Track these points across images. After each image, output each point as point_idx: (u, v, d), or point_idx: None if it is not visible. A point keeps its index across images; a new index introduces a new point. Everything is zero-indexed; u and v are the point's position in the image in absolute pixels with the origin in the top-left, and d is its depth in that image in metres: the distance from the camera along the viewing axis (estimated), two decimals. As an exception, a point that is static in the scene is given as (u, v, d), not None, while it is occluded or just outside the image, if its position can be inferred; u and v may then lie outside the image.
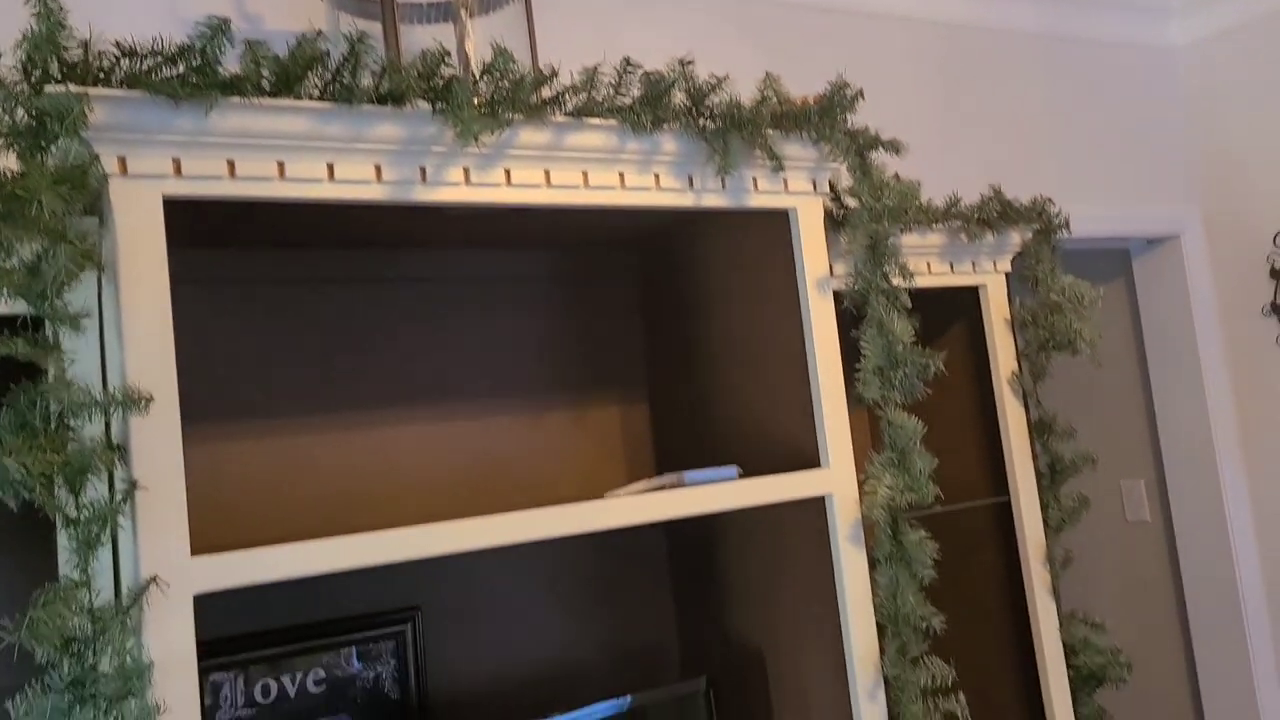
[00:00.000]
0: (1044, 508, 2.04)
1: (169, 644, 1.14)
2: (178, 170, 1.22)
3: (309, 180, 1.32)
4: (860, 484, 1.69)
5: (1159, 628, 3.16)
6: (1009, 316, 2.04)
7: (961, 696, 1.65)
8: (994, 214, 1.97)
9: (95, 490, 1.11)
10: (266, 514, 1.71)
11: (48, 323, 1.10)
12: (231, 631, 1.67)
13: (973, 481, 2.10)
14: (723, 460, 1.90)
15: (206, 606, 1.64)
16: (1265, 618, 2.90)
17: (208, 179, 1.25)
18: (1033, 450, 2.04)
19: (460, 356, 1.93)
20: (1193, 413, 2.97)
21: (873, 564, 1.69)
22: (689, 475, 1.58)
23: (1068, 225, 2.04)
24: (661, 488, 1.60)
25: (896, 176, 1.72)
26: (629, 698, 1.72)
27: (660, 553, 2.08)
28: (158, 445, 1.15)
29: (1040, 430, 2.06)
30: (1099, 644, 2.02)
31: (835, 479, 1.67)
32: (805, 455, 1.72)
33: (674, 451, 2.05)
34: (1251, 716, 2.84)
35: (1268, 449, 2.91)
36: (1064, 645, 2.01)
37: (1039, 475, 2.05)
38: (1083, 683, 2.02)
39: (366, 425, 1.82)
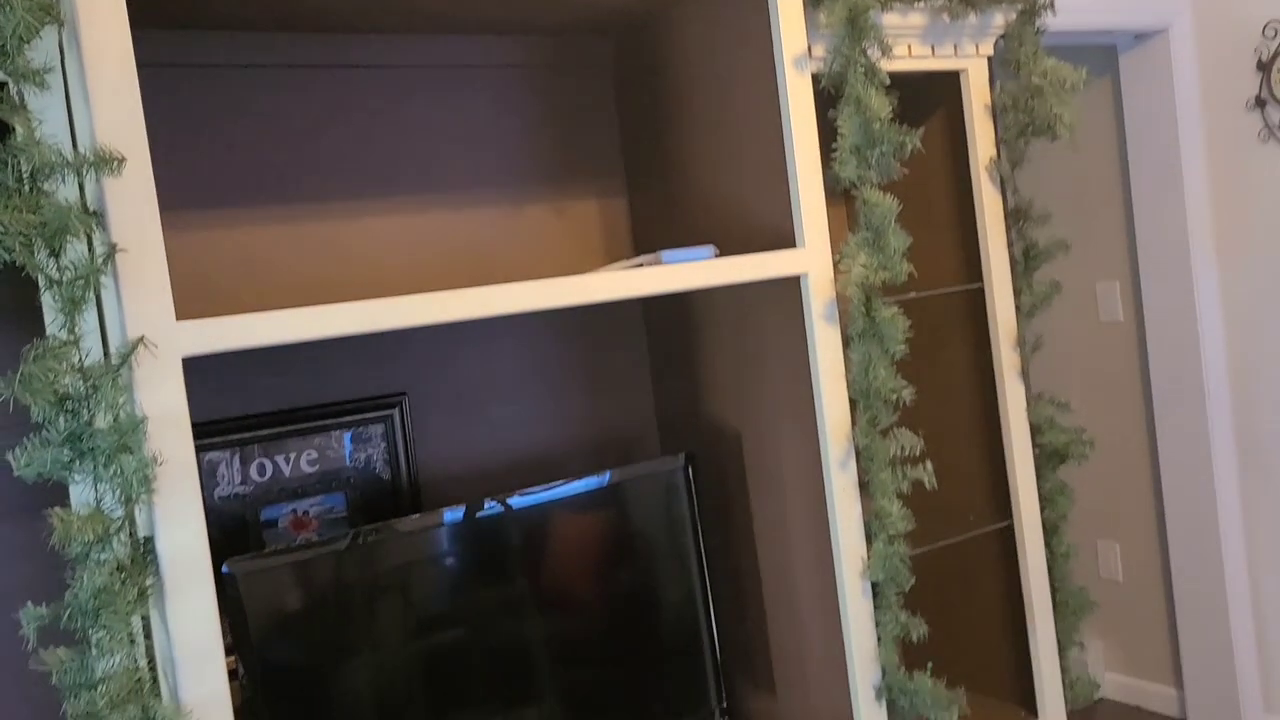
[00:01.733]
0: (1016, 294, 2.07)
1: (161, 404, 1.17)
2: (132, -73, 1.18)
3: (270, -58, 1.27)
4: (835, 264, 1.72)
5: (1124, 418, 3.27)
6: (989, 102, 2.02)
7: (929, 465, 1.73)
8: (977, -8, 1.92)
9: (75, 252, 1.12)
10: (243, 303, 1.73)
11: (11, 82, 1.08)
12: (225, 414, 1.71)
13: (948, 268, 2.13)
14: (701, 247, 1.92)
15: (198, 390, 1.68)
16: (1227, 411, 3.00)
17: (164, -63, 1.21)
18: (1008, 238, 2.06)
19: (437, 146, 1.91)
20: (1170, 212, 2.98)
21: (846, 343, 1.74)
22: (666, 255, 1.60)
23: (1052, 5, 2.00)
24: (640, 266, 1.62)
25: (878, -53, 1.67)
26: (608, 473, 1.79)
27: (639, 339, 2.12)
28: (134, 208, 1.15)
29: (1016, 217, 2.07)
30: (1064, 423, 2.10)
31: (811, 258, 1.70)
32: (782, 236, 1.73)
33: (652, 243, 2.07)
34: (1208, 494, 2.98)
35: (1241, 248, 2.94)
36: (1030, 424, 2.09)
37: (1013, 262, 2.08)
38: (1046, 459, 2.11)
39: (343, 216, 1.82)
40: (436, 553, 1.62)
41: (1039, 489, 2.10)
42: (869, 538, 1.75)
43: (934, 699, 1.70)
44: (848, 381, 1.73)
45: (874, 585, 1.75)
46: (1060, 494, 2.10)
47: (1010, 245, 2.06)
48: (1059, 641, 2.11)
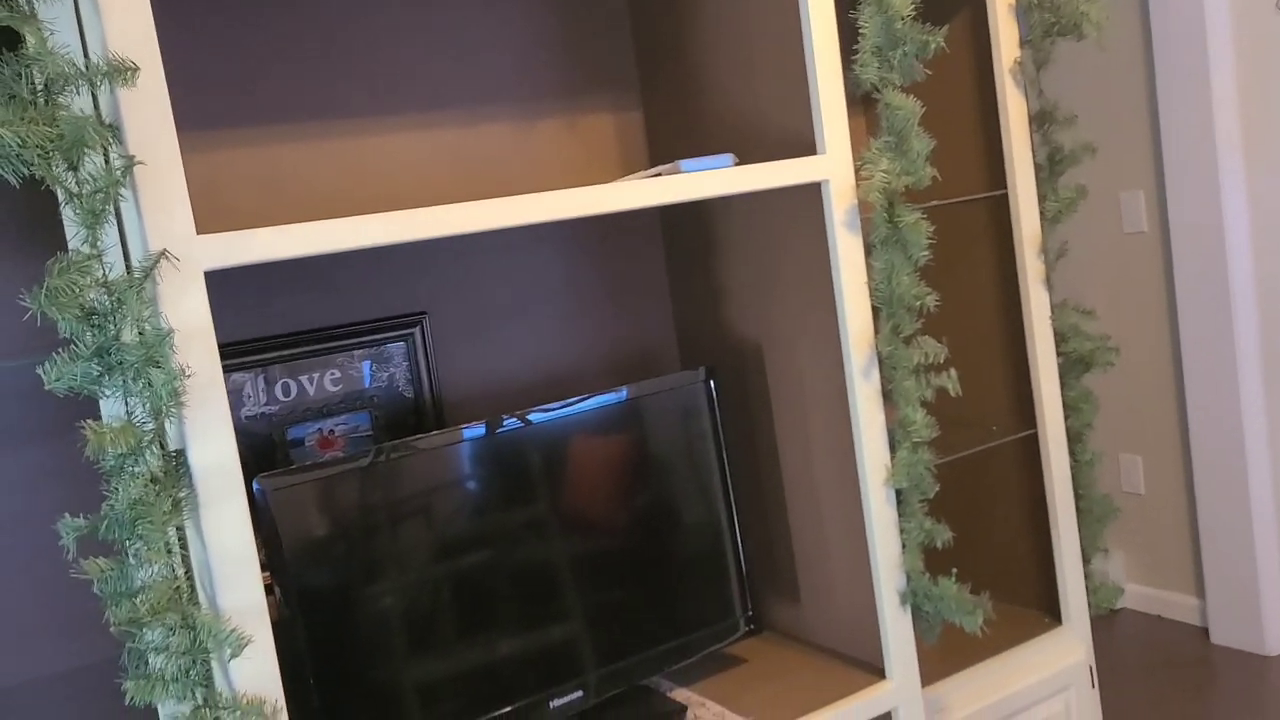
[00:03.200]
0: (1041, 200, 2.04)
1: (185, 317, 1.18)
2: None
3: None
4: (857, 170, 1.70)
5: (1148, 331, 3.25)
6: (1013, 1, 1.97)
7: (953, 372, 1.72)
8: (1001, -114, 1.86)
9: (93, 165, 1.11)
10: (255, 223, 1.72)
11: (19, -10, 1.07)
12: (247, 336, 1.72)
13: (970, 174, 2.10)
14: (720, 158, 1.89)
15: (219, 312, 1.68)
16: (1254, 323, 2.97)
17: None
18: (1032, 142, 2.02)
19: (446, 61, 1.89)
20: (1197, 117, 2.93)
21: (868, 250, 1.72)
22: (685, 164, 1.58)
23: (1079, -102, 1.94)
24: (658, 176, 1.60)
25: None
26: (625, 390, 1.79)
27: (657, 253, 2.11)
28: (149, 120, 1.14)
29: (1040, 120, 2.03)
30: (1088, 331, 2.09)
31: (832, 165, 1.67)
32: (802, 143, 1.71)
33: (669, 155, 2.04)
34: (1233, 406, 2.97)
35: (1271, 155, 2.88)
36: (1054, 332, 2.07)
37: (1037, 167, 2.04)
38: (1071, 367, 2.10)
39: (352, 134, 1.80)
40: (456, 469, 1.63)
41: (1063, 397, 2.10)
42: (893, 446, 1.75)
43: (958, 604, 1.72)
44: (870, 289, 1.71)
45: (898, 493, 1.75)
46: (1084, 402, 2.10)
47: (1034, 150, 2.02)
48: (1083, 548, 2.12)
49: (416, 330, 1.85)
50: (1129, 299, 3.29)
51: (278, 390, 1.74)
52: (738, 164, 1.63)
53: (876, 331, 1.72)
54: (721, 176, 1.57)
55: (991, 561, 2.24)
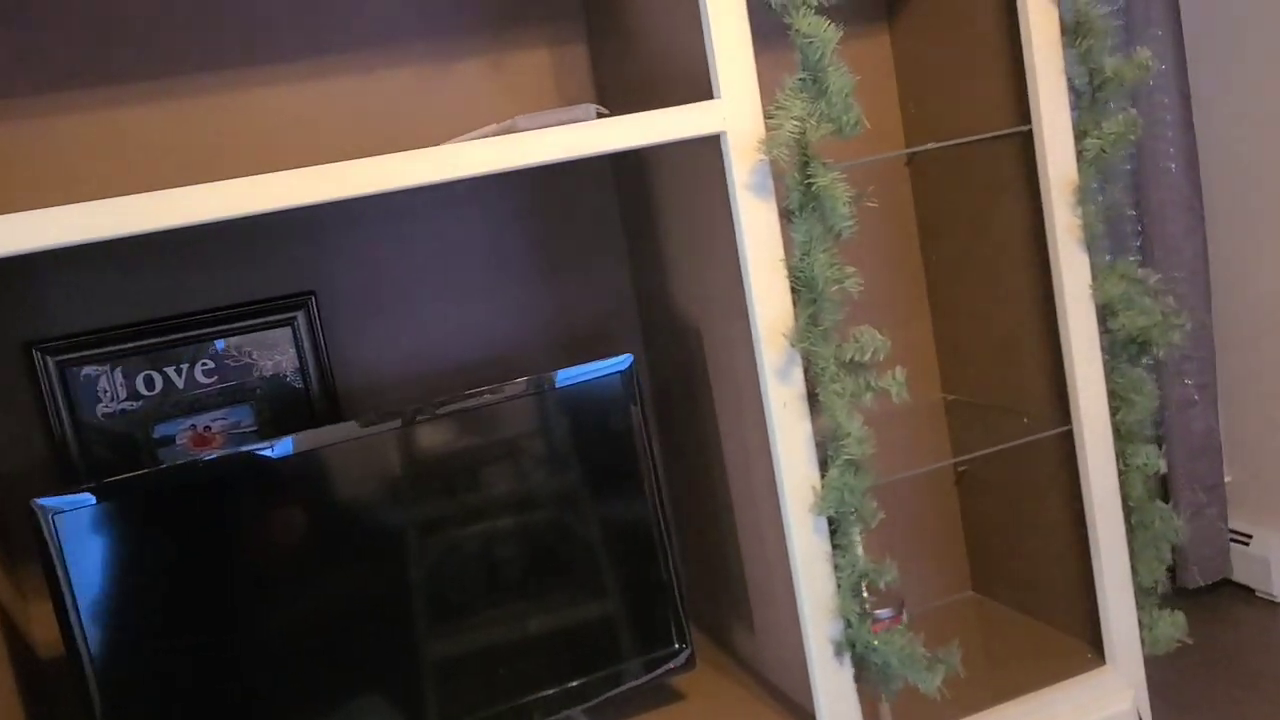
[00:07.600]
0: (1080, 135, 1.58)
1: None
2: None
3: None
4: (767, 119, 1.33)
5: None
6: (1032, -125, 1.50)
7: (899, 372, 1.34)
8: None
9: None
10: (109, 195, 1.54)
11: None
12: (100, 324, 1.56)
13: (988, 107, 1.66)
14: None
15: (68, 297, 1.53)
16: None
17: None
18: (1064, 62, 1.56)
19: None
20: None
21: (790, 220, 1.36)
22: (522, 120, 1.27)
23: None
24: (500, 134, 1.30)
25: None
26: (524, 382, 1.52)
27: (611, 211, 1.80)
28: None
29: (1076, 34, 1.56)
30: (1143, 303, 1.62)
31: (728, 112, 1.31)
32: (698, 85, 1.35)
33: (619, 101, 1.71)
34: None
35: None
36: (1098, 305, 1.62)
37: (1075, 94, 1.58)
38: (1121, 348, 1.65)
39: (214, 90, 1.58)
40: (290, 480, 1.42)
41: (1111, 385, 1.65)
42: (826, 464, 1.40)
43: (905, 660, 1.37)
44: (789, 268, 1.35)
45: (831, 521, 1.41)
46: (1137, 392, 1.64)
47: (1068, 72, 1.56)
48: (1136, 573, 1.69)
49: (301, 313, 1.65)
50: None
51: (139, 384, 1.58)
52: (601, 116, 1.30)
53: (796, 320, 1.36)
54: (564, 137, 1.25)
55: (1025, 577, 1.84)
